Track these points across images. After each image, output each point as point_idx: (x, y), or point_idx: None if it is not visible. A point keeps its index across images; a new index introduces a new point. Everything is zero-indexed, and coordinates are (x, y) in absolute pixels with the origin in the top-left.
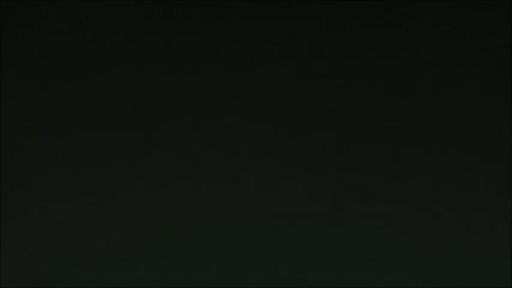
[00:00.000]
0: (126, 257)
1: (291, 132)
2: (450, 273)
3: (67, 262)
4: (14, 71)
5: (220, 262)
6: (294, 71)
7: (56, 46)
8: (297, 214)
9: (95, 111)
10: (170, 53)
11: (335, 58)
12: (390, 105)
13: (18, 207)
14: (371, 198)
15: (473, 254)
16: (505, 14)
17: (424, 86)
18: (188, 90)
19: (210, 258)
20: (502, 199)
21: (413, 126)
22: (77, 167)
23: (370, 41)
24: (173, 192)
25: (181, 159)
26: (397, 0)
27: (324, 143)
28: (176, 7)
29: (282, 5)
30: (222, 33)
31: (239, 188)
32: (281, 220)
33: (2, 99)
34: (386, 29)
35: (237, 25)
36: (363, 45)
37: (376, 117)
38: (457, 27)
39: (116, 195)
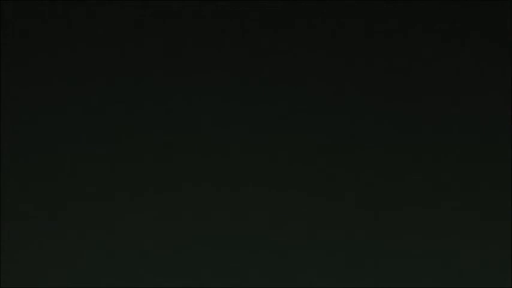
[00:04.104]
0: (126, 257)
1: (291, 132)
2: (450, 274)
3: (67, 262)
4: (14, 71)
5: (220, 262)
6: (294, 71)
7: (56, 46)
8: (297, 214)
9: (95, 111)
10: (170, 53)
11: (335, 58)
12: (390, 106)
13: (18, 207)
14: (371, 199)
15: (473, 255)
16: (505, 14)
17: (424, 85)
18: (188, 90)
19: (210, 259)
20: (502, 199)
21: (412, 126)
22: (77, 168)
23: (370, 41)
24: (173, 192)
25: (182, 159)
26: (398, 0)
27: (324, 143)
28: (176, 7)
29: (282, 5)
30: (222, 33)
31: (239, 189)
32: (281, 220)
33: (2, 99)
34: (387, 29)
35: (238, 25)
36: (363, 45)
37: (375, 118)
38: (457, 27)
39: (116, 196)
